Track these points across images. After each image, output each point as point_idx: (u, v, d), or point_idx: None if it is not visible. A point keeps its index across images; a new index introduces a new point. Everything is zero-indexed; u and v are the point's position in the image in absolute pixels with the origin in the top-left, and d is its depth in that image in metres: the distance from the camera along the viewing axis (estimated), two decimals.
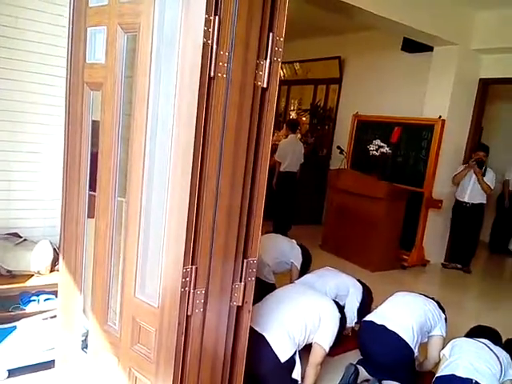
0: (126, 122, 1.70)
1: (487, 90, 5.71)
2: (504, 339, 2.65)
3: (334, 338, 2.47)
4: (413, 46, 5.72)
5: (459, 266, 5.55)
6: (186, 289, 1.51)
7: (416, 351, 2.55)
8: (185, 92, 1.45)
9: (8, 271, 2.55)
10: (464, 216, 5.42)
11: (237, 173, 1.54)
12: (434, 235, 5.69)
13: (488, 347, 2.20)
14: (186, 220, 1.46)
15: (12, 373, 2.32)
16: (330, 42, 7.32)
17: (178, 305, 1.50)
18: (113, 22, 1.69)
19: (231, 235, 1.58)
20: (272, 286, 3.35)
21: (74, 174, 1.95)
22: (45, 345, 2.39)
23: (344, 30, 6.77)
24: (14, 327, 2.48)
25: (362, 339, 2.74)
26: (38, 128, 2.71)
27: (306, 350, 2.49)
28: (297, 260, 3.75)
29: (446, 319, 2.78)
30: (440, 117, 5.28)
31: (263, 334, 2.26)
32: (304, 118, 8.14)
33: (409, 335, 2.52)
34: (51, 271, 2.61)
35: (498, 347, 2.27)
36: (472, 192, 5.34)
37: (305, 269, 3.74)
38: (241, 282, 1.66)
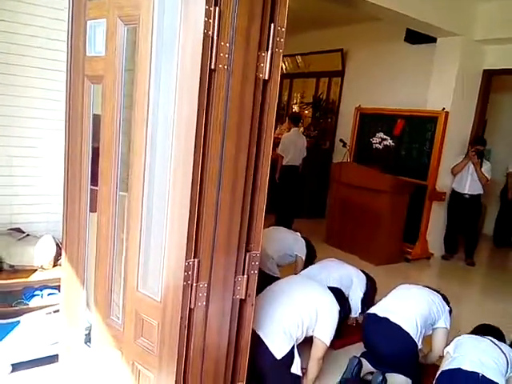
0: (127, 116, 1.69)
1: (491, 81, 5.65)
2: (508, 334, 2.64)
3: (333, 331, 2.46)
4: (416, 37, 5.67)
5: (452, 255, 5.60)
6: (189, 282, 1.51)
7: (420, 344, 2.55)
8: (186, 84, 1.44)
9: (11, 266, 2.55)
10: (463, 207, 5.40)
11: (239, 165, 1.53)
12: (438, 228, 5.67)
13: (493, 342, 2.19)
14: (188, 213, 1.45)
15: (16, 367, 2.33)
16: (332, 35, 7.26)
17: (180, 298, 1.50)
18: (112, 15, 1.67)
19: (233, 228, 1.57)
20: (276, 279, 3.34)
21: (76, 168, 1.94)
22: (48, 339, 2.40)
23: (346, 22, 6.72)
24: (18, 322, 2.49)
25: (366, 332, 2.74)
26: (40, 123, 2.71)
27: (307, 344, 2.49)
28: (301, 252, 3.75)
29: (450, 311, 2.77)
30: (443, 109, 5.24)
31: (258, 332, 2.25)
32: (306, 112, 8.10)
33: (412, 328, 2.51)
34: (54, 266, 2.62)
35: (502, 343, 2.26)
36: (471, 183, 5.33)
37: (309, 261, 3.73)
38: (243, 275, 1.65)
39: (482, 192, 5.41)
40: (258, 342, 2.22)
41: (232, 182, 1.53)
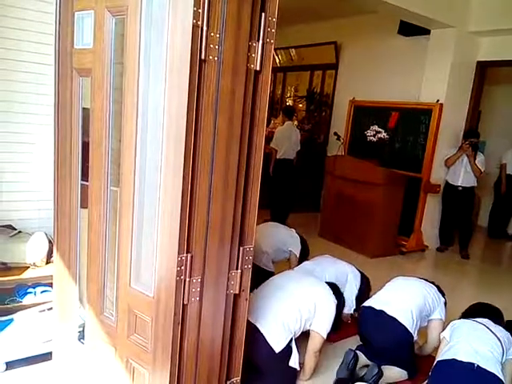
0: (116, 109, 1.66)
1: (485, 72, 5.65)
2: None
3: (331, 325, 2.46)
4: (409, 29, 5.65)
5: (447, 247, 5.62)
6: (182, 277, 1.49)
7: (415, 335, 2.55)
8: (175, 76, 1.41)
9: (3, 263, 2.53)
10: (457, 200, 5.41)
11: (231, 158, 1.51)
12: (433, 220, 5.68)
13: (488, 328, 2.18)
14: (180, 207, 1.43)
15: (10, 365, 2.31)
16: (325, 27, 7.22)
17: (173, 294, 1.48)
18: (100, 6, 1.64)
19: (226, 223, 1.55)
20: (271, 274, 3.33)
21: (66, 163, 1.91)
22: (42, 337, 2.37)
23: (340, 15, 6.68)
24: (11, 320, 2.46)
25: (361, 325, 2.73)
26: (30, 118, 2.67)
27: (304, 338, 2.48)
28: (296, 248, 3.74)
29: (445, 303, 2.77)
30: (438, 101, 5.23)
31: (256, 324, 2.24)
32: (300, 105, 8.07)
33: (408, 320, 2.51)
34: (47, 263, 2.59)
35: (498, 327, 2.25)
36: (465, 175, 5.33)
37: (303, 258, 3.72)
38: (237, 269, 1.64)
39: (475, 184, 5.41)
40: (256, 335, 2.21)
41: (224, 175, 1.51)
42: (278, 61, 8.17)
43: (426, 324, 2.70)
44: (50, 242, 2.58)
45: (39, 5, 2.56)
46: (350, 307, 3.20)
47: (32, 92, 2.64)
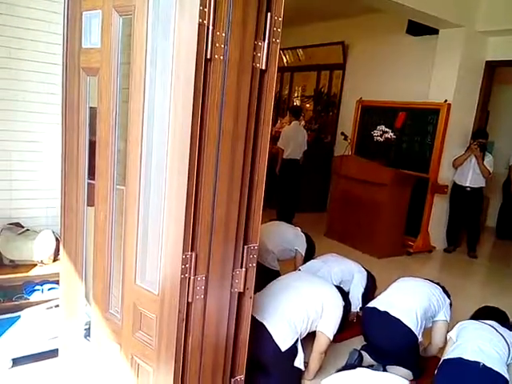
0: (123, 109, 1.67)
1: (494, 72, 5.61)
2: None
3: (337, 326, 2.46)
4: (418, 29, 5.62)
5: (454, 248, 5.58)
6: (186, 275, 1.49)
7: (420, 337, 2.53)
8: (181, 75, 1.42)
9: (11, 261, 2.55)
10: (465, 200, 5.37)
11: (236, 157, 1.52)
12: (440, 221, 5.65)
13: (495, 329, 2.18)
14: (185, 205, 1.44)
15: (16, 362, 2.34)
16: (333, 27, 7.21)
17: (178, 291, 1.49)
18: (108, 5, 1.65)
19: (231, 220, 1.56)
20: (276, 273, 3.34)
21: (73, 162, 1.93)
22: (49, 334, 2.40)
23: (347, 15, 6.66)
24: (19, 317, 2.49)
25: (366, 326, 2.72)
26: (38, 117, 2.69)
27: (310, 338, 2.48)
28: (301, 247, 3.74)
29: (450, 304, 2.76)
30: (446, 101, 5.20)
31: (263, 322, 2.25)
32: (308, 105, 8.06)
33: (412, 321, 2.50)
34: (54, 261, 2.61)
35: (504, 328, 2.24)
36: (473, 176, 5.29)
37: (309, 257, 3.72)
38: (242, 267, 1.64)
39: (483, 185, 5.37)
40: (262, 332, 2.22)
41: (229, 173, 1.51)
42: (285, 61, 8.17)
43: (430, 325, 2.69)
44: (57, 239, 2.60)
45: (47, 4, 2.58)
46: (356, 305, 3.19)
47: (41, 91, 2.66)
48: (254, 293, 1.77)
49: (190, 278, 1.51)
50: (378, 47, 6.54)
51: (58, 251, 2.55)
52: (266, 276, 2.84)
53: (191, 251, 1.49)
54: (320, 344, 2.46)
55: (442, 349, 2.43)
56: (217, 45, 1.40)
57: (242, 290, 1.67)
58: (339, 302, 2.52)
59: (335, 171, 5.74)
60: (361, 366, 2.48)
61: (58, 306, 2.32)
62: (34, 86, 2.64)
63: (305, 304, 2.42)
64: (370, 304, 2.73)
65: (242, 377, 1.82)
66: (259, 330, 2.19)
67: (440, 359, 2.24)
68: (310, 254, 3.76)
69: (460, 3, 5.04)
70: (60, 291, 2.15)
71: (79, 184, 1.92)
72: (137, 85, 1.56)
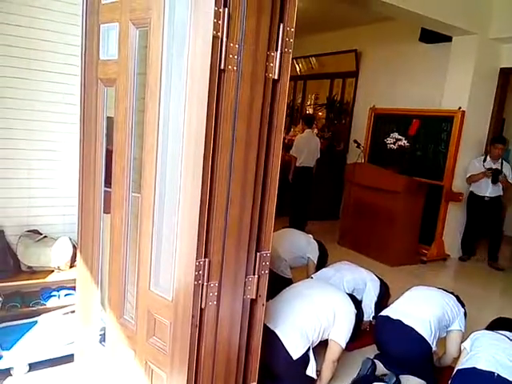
0: (139, 118, 1.71)
1: (508, 79, 5.57)
2: None
3: (350, 334, 2.45)
4: (431, 36, 5.63)
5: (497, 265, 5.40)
6: (200, 282, 1.51)
7: (434, 346, 2.51)
8: (195, 85, 1.45)
9: (29, 267, 2.60)
10: (483, 210, 5.30)
11: (249, 165, 1.54)
12: (455, 229, 5.59)
13: (509, 339, 2.15)
14: (199, 213, 1.46)
15: (33, 367, 2.37)
16: (345, 35, 7.24)
17: (191, 298, 1.51)
18: (125, 18, 1.70)
19: (244, 228, 1.58)
20: (289, 281, 3.35)
21: (90, 170, 1.97)
22: (65, 339, 2.44)
23: (360, 23, 6.69)
24: (35, 322, 2.53)
25: (379, 334, 2.71)
26: (56, 126, 2.75)
27: (322, 346, 2.48)
28: (313, 254, 3.74)
29: (465, 313, 2.73)
30: (460, 108, 5.17)
31: (275, 330, 2.25)
32: (320, 113, 8.08)
33: (426, 330, 2.47)
34: (71, 267, 2.66)
35: None
36: (492, 188, 5.23)
37: (321, 264, 3.72)
38: (254, 274, 1.66)
39: (501, 193, 5.30)
40: (274, 341, 2.22)
41: (242, 181, 1.53)
42: (298, 69, 8.22)
43: (445, 335, 2.66)
44: (73, 246, 2.65)
45: (65, 17, 2.66)
46: (368, 314, 3.17)
47: (59, 101, 2.73)
48: (267, 300, 1.78)
49: (203, 285, 1.53)
50: (391, 55, 6.55)
51: (75, 258, 2.60)
52: (278, 284, 2.84)
53: (204, 258, 1.51)
54: (332, 352, 2.45)
55: (456, 359, 2.40)
56: (230, 56, 1.43)
57: (254, 297, 1.69)
58: (351, 310, 2.51)
59: (348, 179, 5.73)
60: (374, 375, 2.46)
61: (74, 311, 2.36)
62: (53, 96, 2.71)
63: (316, 312, 2.42)
64: (383, 312, 2.71)
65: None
66: (271, 338, 2.19)
67: (454, 369, 2.21)
68: (322, 262, 3.75)
69: (472, 10, 5.03)
70: (76, 297, 2.19)
71: (96, 192, 1.96)
72: (152, 95, 1.59)
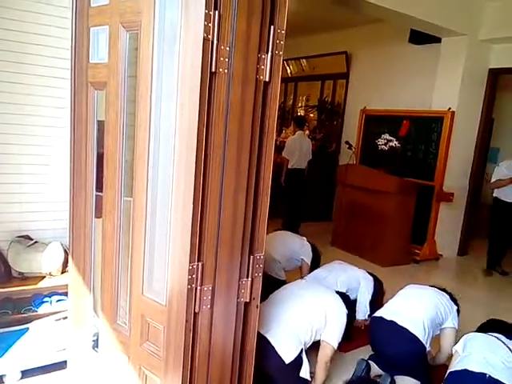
0: (130, 121, 1.70)
1: (497, 80, 5.62)
2: None
3: (341, 335, 2.45)
4: (420, 37, 5.67)
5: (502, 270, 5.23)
6: (193, 286, 1.51)
7: (428, 345, 2.52)
8: (186, 88, 1.44)
9: (20, 273, 2.58)
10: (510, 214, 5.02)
11: (241, 168, 1.54)
12: (447, 228, 5.63)
13: (501, 341, 2.16)
14: (191, 217, 1.45)
15: (25, 374, 2.35)
16: (335, 37, 7.27)
17: (185, 302, 1.50)
18: (115, 21, 1.69)
19: (237, 231, 1.57)
20: (283, 283, 3.34)
21: (81, 174, 1.96)
22: (57, 345, 2.41)
23: (350, 24, 6.73)
24: (27, 329, 2.50)
25: (373, 335, 2.71)
26: (47, 131, 2.73)
27: (315, 348, 2.47)
28: (307, 256, 3.74)
29: (458, 311, 2.75)
30: (449, 109, 5.21)
31: (266, 335, 2.24)
32: (312, 115, 8.10)
33: (420, 330, 2.48)
34: (63, 272, 2.64)
35: (510, 341, 2.22)
36: None
37: (315, 266, 3.72)
38: (248, 277, 1.65)
39: None
40: (266, 346, 2.21)
41: (234, 183, 1.53)
42: (289, 71, 8.24)
43: (438, 332, 2.68)
44: (65, 251, 2.63)
45: (54, 20, 2.64)
46: (364, 313, 3.18)
47: (47, 105, 2.71)
48: (261, 302, 1.77)
49: (196, 289, 1.52)
50: (381, 56, 6.59)
51: (67, 263, 2.58)
52: (272, 286, 2.84)
53: (198, 261, 1.50)
54: (325, 353, 2.44)
55: (451, 357, 2.41)
56: (221, 59, 1.43)
57: (248, 300, 1.68)
58: (343, 310, 2.51)
59: (340, 180, 5.75)
60: (368, 376, 2.47)
61: (66, 317, 2.33)
62: (43, 100, 2.69)
63: (308, 313, 2.41)
64: (377, 313, 2.71)
65: None
66: (262, 343, 2.18)
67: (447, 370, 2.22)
68: (315, 264, 3.76)
69: (462, 12, 5.08)
70: (68, 303, 2.16)
71: (87, 196, 1.94)
72: (143, 98, 1.59)
